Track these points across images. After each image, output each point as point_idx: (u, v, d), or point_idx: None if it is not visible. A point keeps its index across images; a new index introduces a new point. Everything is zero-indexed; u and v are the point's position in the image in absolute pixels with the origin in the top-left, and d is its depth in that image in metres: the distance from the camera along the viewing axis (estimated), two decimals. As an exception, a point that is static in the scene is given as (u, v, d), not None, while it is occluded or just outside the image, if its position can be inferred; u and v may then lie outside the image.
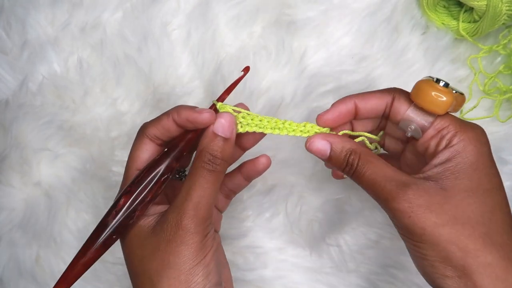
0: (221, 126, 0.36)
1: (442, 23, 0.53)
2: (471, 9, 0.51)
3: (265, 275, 0.52)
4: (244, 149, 0.42)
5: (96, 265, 0.36)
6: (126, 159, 0.39)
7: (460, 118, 0.51)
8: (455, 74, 0.53)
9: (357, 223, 0.52)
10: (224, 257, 0.42)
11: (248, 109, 0.40)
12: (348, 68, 0.53)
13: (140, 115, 0.54)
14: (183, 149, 0.38)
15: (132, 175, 0.38)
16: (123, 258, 0.38)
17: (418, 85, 0.36)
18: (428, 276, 0.33)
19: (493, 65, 0.53)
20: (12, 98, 0.53)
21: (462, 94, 0.37)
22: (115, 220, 0.36)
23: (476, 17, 0.50)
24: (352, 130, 0.41)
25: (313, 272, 0.52)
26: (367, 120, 0.40)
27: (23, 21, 0.54)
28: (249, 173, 0.43)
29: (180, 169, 0.43)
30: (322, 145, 0.37)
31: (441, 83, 0.35)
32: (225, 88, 0.40)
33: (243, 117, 0.38)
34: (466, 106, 0.52)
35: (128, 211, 0.36)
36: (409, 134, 0.37)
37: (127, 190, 0.37)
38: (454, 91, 0.36)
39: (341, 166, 0.37)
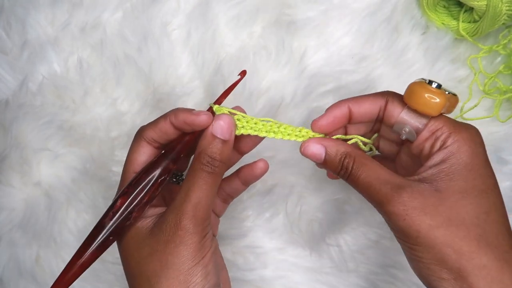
0: (220, 128, 0.36)
1: (442, 23, 0.53)
2: (471, 9, 0.51)
3: (265, 275, 0.52)
4: (242, 153, 0.42)
5: (96, 265, 0.36)
6: (126, 159, 0.40)
7: (460, 118, 0.52)
8: (455, 74, 0.53)
9: (357, 223, 0.52)
10: (222, 260, 0.42)
11: (244, 112, 0.40)
12: (348, 68, 0.53)
13: (140, 115, 0.54)
14: (181, 151, 0.38)
15: (129, 177, 0.38)
16: None
17: (411, 87, 0.36)
18: (424, 278, 0.33)
19: (493, 65, 0.53)
20: (12, 98, 0.53)
21: (455, 95, 0.37)
22: (112, 222, 0.35)
23: (476, 17, 0.50)
24: (346, 134, 0.41)
25: (313, 272, 0.52)
26: (361, 123, 0.40)
27: (23, 21, 0.54)
28: (246, 178, 0.43)
29: (177, 172, 0.43)
30: (317, 149, 0.37)
31: (434, 85, 0.35)
32: (224, 89, 0.41)
33: (238, 120, 0.39)
34: (466, 106, 0.52)
35: (126, 212, 0.36)
36: (403, 137, 0.37)
37: (124, 191, 0.37)
38: (447, 92, 0.36)
39: (336, 170, 0.37)
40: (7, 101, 0.53)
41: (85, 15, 0.55)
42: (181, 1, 0.55)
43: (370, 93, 0.39)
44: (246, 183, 0.44)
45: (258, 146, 0.43)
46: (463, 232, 0.32)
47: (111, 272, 0.53)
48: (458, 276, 0.31)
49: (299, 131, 0.40)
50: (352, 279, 0.52)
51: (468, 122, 0.51)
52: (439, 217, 0.32)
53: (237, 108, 0.40)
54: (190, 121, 0.37)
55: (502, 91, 0.51)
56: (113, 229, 0.36)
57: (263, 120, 0.39)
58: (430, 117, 0.36)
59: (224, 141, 0.36)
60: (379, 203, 0.34)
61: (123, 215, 0.36)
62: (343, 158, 0.36)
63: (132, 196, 0.36)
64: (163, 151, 0.38)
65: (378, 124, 0.41)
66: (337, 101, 0.39)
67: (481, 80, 0.53)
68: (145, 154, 0.39)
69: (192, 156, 0.38)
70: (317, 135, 0.39)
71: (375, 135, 0.41)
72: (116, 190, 0.39)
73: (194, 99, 0.54)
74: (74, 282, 0.35)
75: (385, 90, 0.39)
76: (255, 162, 0.42)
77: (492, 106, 0.52)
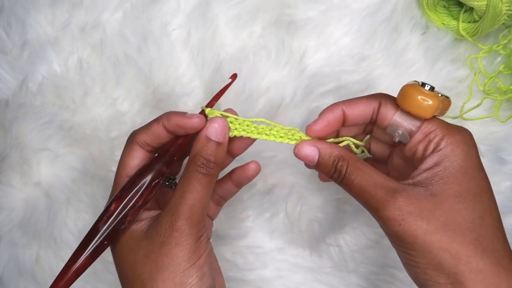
0: (214, 130, 0.37)
1: (442, 23, 0.53)
2: (471, 9, 0.51)
3: (265, 275, 0.52)
4: (233, 156, 0.42)
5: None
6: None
7: (460, 118, 0.52)
8: (455, 74, 0.53)
9: (357, 223, 0.52)
10: (216, 263, 0.42)
11: (236, 114, 0.40)
12: (348, 68, 0.53)
13: (140, 115, 0.54)
14: (174, 154, 0.38)
15: (122, 182, 0.38)
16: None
17: (404, 90, 0.36)
18: (421, 283, 0.33)
19: (493, 65, 0.53)
20: (12, 98, 0.53)
21: (447, 97, 0.37)
22: (106, 226, 0.35)
23: (476, 17, 0.50)
24: (338, 136, 0.41)
25: (313, 272, 0.52)
26: (354, 126, 0.40)
27: (23, 21, 0.54)
28: (239, 180, 0.43)
29: (170, 176, 0.43)
30: (310, 151, 0.37)
31: (427, 87, 0.35)
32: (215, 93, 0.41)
33: (230, 122, 0.39)
34: (466, 106, 0.52)
35: (120, 216, 0.36)
36: (396, 139, 0.37)
37: (117, 195, 0.36)
38: (440, 95, 0.35)
39: (329, 173, 0.37)
40: (7, 101, 0.53)
41: (85, 15, 0.55)
42: (181, 1, 0.55)
43: (365, 95, 0.39)
44: (239, 185, 0.44)
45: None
46: (460, 237, 0.32)
47: (111, 272, 0.53)
48: (455, 281, 0.31)
49: (292, 134, 0.40)
50: (352, 279, 0.52)
51: (468, 122, 0.52)
52: (435, 222, 0.32)
53: (229, 110, 0.40)
54: (183, 124, 0.37)
55: (502, 91, 0.51)
56: (108, 234, 0.35)
57: (255, 122, 0.40)
58: (423, 120, 0.35)
59: (218, 143, 0.37)
60: (374, 208, 0.34)
61: (117, 219, 0.36)
62: (336, 161, 0.36)
63: (126, 200, 0.36)
64: (156, 155, 0.38)
65: (370, 126, 0.40)
66: (332, 103, 0.39)
67: (481, 80, 0.53)
68: (138, 158, 0.39)
69: (185, 160, 0.38)
70: (309, 138, 0.39)
71: (367, 136, 0.41)
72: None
73: (194, 99, 0.54)
74: (74, 282, 0.35)
75: (384, 91, 0.39)
76: (247, 163, 0.43)
77: (492, 106, 0.52)
